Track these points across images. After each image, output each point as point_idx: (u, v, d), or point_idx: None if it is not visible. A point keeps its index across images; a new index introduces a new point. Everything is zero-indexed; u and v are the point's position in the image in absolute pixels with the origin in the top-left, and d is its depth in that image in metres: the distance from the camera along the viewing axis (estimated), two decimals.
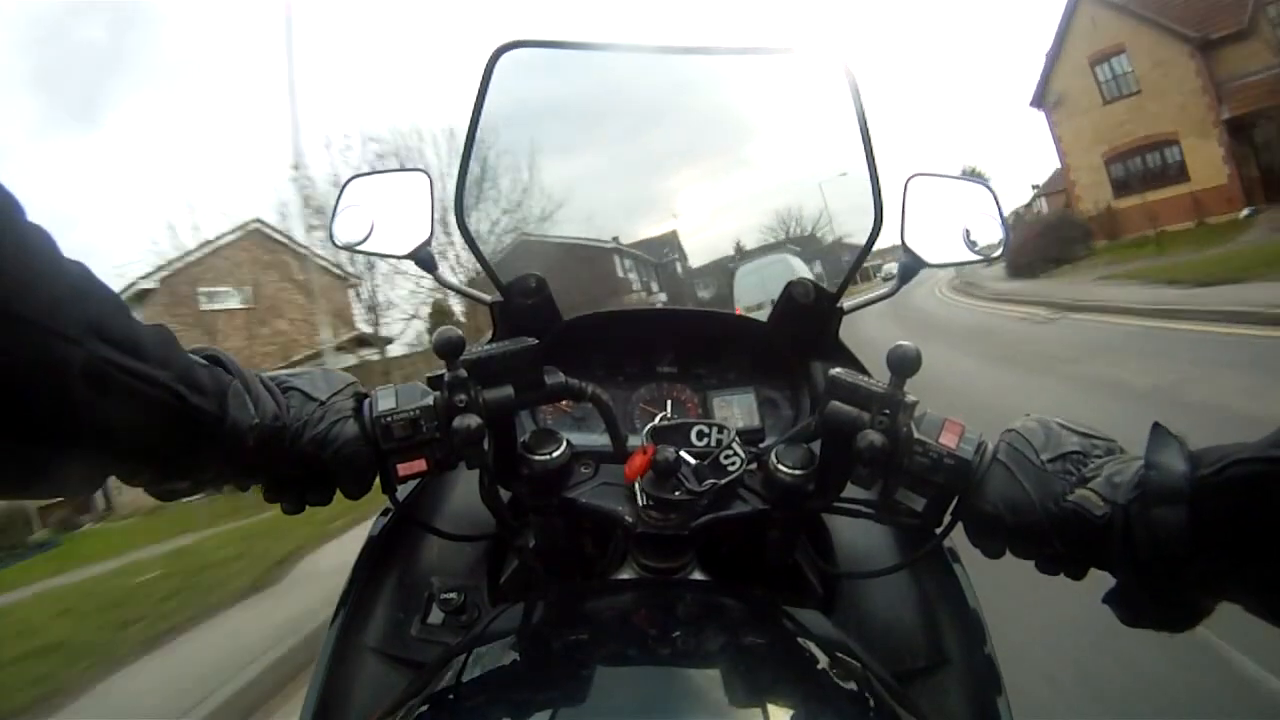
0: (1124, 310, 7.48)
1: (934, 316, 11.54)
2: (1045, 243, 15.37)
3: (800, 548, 0.66)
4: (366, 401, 0.52)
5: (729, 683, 0.41)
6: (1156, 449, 0.40)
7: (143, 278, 12.72)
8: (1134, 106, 15.67)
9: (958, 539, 0.56)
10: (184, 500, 0.47)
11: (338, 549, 4.10)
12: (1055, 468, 0.45)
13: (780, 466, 0.55)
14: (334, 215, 0.73)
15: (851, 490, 0.54)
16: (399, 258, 0.73)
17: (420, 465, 0.51)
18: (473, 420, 0.49)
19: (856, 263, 0.70)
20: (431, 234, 0.71)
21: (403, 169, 0.74)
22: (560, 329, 0.72)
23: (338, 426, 0.49)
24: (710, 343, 0.81)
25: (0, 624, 4.17)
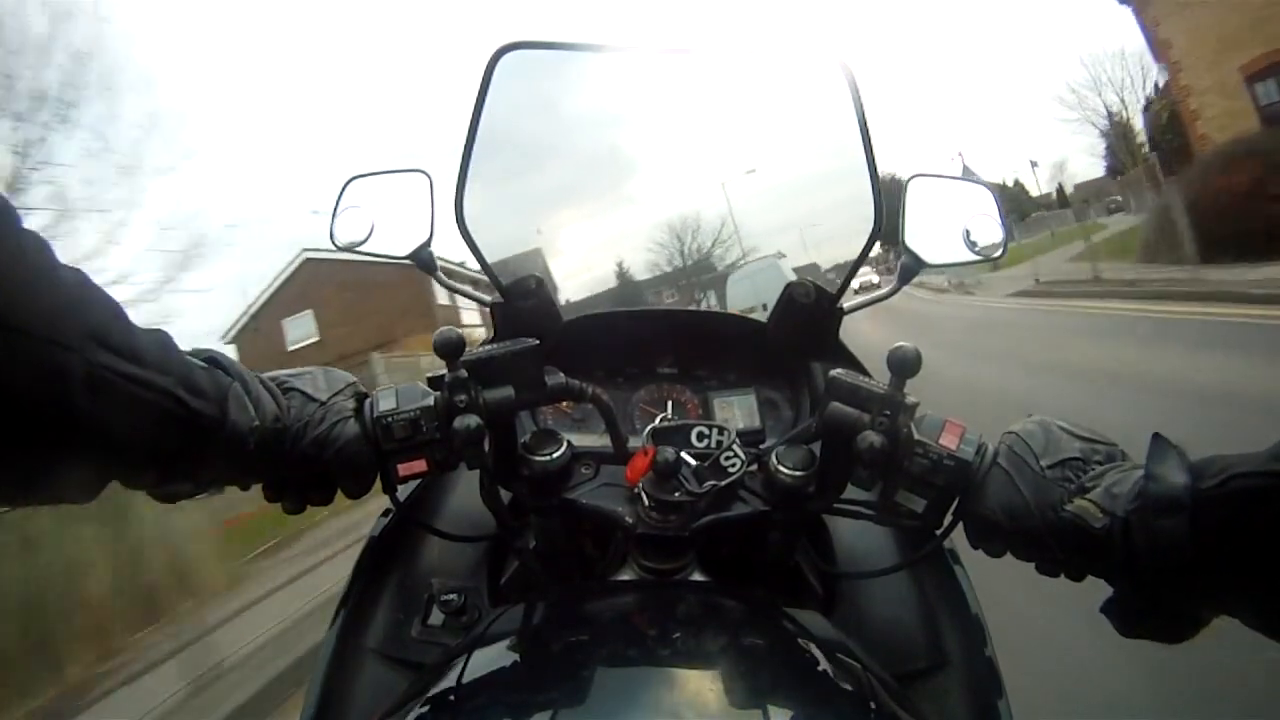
0: None
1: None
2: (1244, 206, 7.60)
3: (800, 549, 0.66)
4: (367, 402, 0.52)
5: (729, 684, 0.41)
6: (1157, 460, 0.40)
7: (237, 327, 14.53)
8: None
9: (958, 540, 0.56)
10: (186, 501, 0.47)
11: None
12: (1054, 474, 0.44)
13: (780, 468, 0.55)
14: (334, 215, 0.73)
15: (852, 491, 0.54)
16: (399, 259, 0.72)
17: (421, 466, 0.51)
18: (473, 421, 0.49)
19: (857, 263, 0.70)
20: (432, 235, 0.71)
21: (403, 169, 0.73)
22: (560, 330, 0.72)
23: (339, 427, 0.49)
24: (710, 343, 0.81)
25: None
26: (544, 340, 0.56)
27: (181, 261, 5.67)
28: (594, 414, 0.65)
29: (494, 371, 0.53)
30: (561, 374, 0.56)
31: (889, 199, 0.66)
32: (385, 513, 0.68)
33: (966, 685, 0.59)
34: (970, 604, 0.62)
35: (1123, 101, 21.59)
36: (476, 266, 0.70)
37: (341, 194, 0.73)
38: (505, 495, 0.59)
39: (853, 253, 0.70)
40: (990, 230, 0.71)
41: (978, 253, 0.71)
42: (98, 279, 0.37)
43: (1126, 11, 12.09)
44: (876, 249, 0.69)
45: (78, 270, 0.36)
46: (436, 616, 0.63)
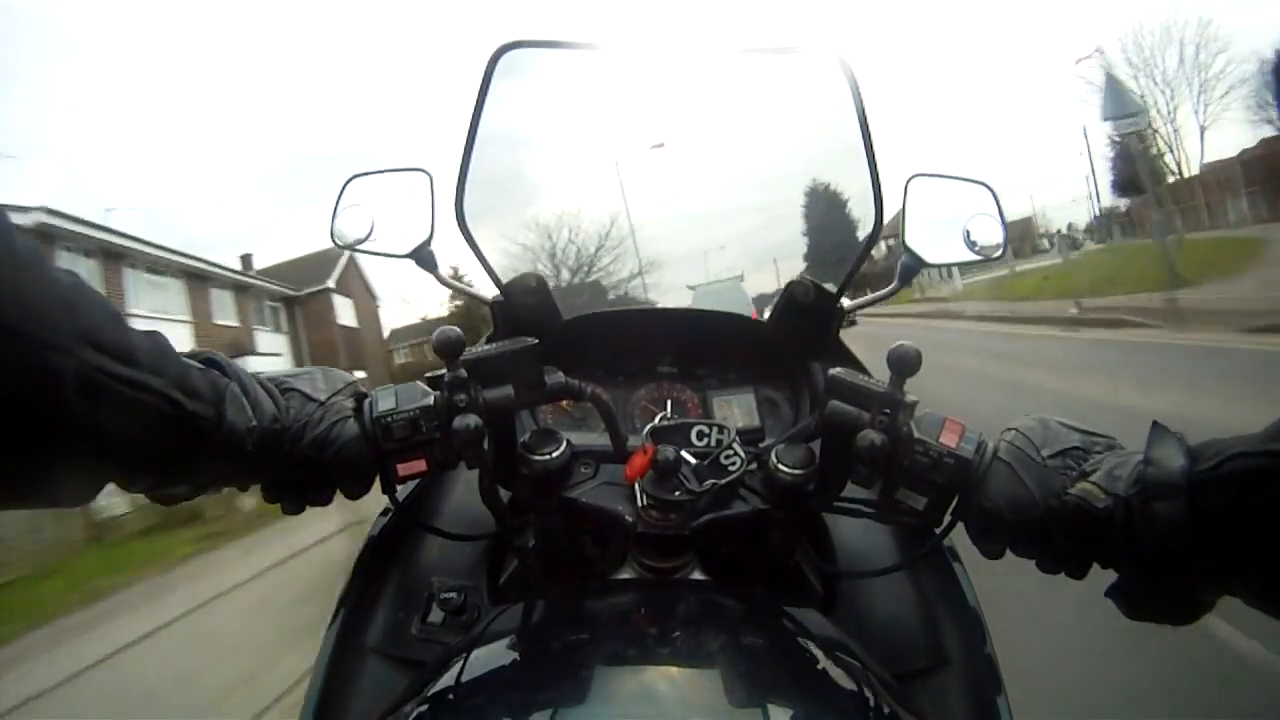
0: None
1: None
2: None
3: (800, 548, 0.66)
4: (367, 401, 0.51)
5: (729, 683, 0.41)
6: (1155, 444, 0.40)
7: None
8: None
9: (957, 539, 0.56)
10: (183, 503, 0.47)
11: None
12: (1056, 464, 0.45)
13: (780, 466, 0.55)
14: (335, 214, 0.73)
15: (851, 490, 0.54)
16: (400, 257, 0.73)
17: (420, 465, 0.51)
18: (473, 420, 0.49)
19: (857, 263, 0.70)
20: (432, 233, 0.71)
21: (403, 168, 0.74)
22: (560, 328, 0.72)
23: (337, 427, 0.48)
24: (710, 343, 0.81)
25: None
26: (543, 339, 0.56)
27: None
28: (594, 413, 0.65)
29: (493, 371, 0.53)
30: (560, 373, 0.56)
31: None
32: (384, 512, 0.68)
33: (966, 684, 0.59)
34: (969, 602, 0.62)
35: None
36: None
37: (342, 193, 0.73)
38: (504, 494, 0.59)
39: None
40: (990, 229, 0.71)
41: (977, 252, 0.71)
42: None
43: None
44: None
45: (71, 273, 0.36)
46: (436, 615, 0.63)
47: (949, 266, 0.74)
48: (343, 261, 18.23)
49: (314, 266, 18.00)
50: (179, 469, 0.42)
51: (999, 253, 0.71)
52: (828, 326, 0.73)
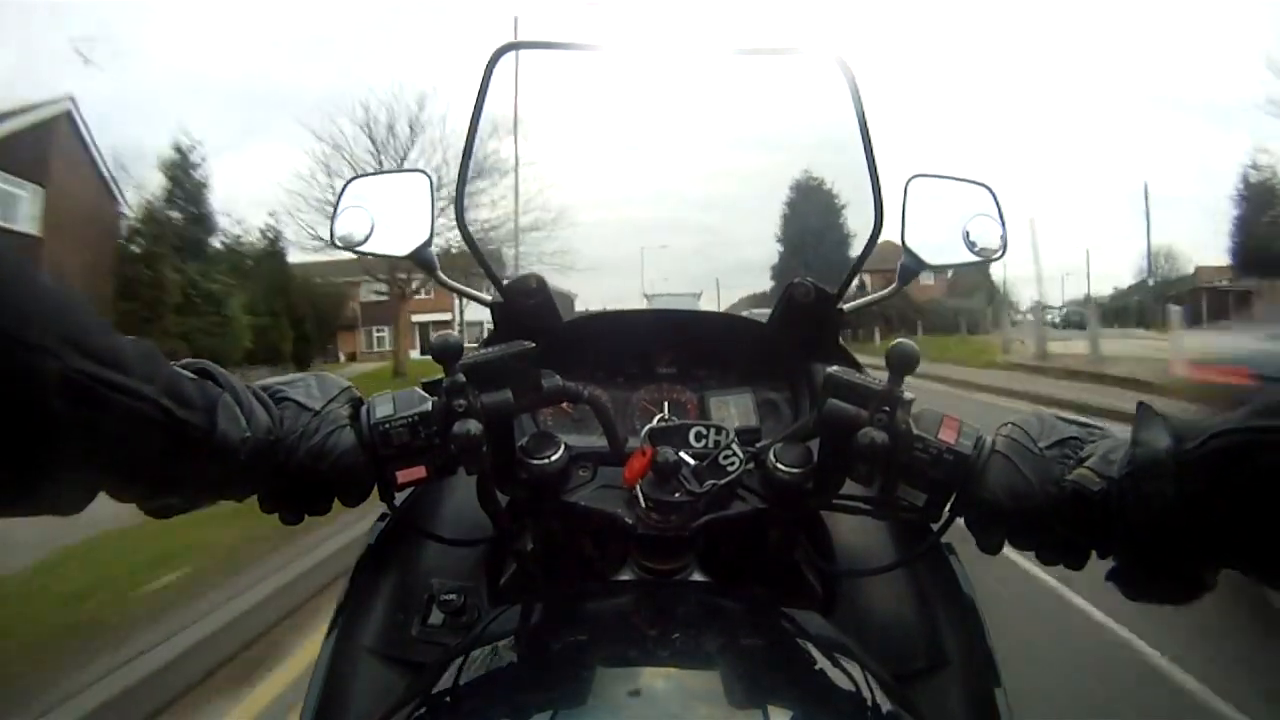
0: None
1: None
2: None
3: (800, 548, 0.66)
4: (364, 408, 0.51)
5: (729, 684, 0.41)
6: (1142, 426, 0.41)
7: None
8: None
9: (954, 537, 0.56)
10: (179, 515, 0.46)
11: None
12: (1054, 453, 0.45)
13: (779, 465, 0.55)
14: (334, 215, 0.73)
15: (850, 488, 0.54)
16: (400, 258, 0.73)
17: (420, 472, 0.50)
18: (472, 425, 0.49)
19: (857, 264, 0.70)
20: (432, 234, 0.71)
21: (403, 169, 0.74)
22: (558, 331, 0.72)
23: (334, 436, 0.48)
24: (709, 344, 0.81)
25: None
26: (541, 341, 0.56)
27: None
28: (593, 414, 0.65)
29: (491, 375, 0.52)
30: (558, 376, 0.56)
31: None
32: (381, 517, 0.68)
33: (966, 684, 0.59)
34: (968, 598, 0.63)
35: None
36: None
37: (342, 194, 0.73)
38: (502, 497, 0.59)
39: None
40: (990, 231, 0.71)
41: (977, 253, 0.71)
42: None
43: None
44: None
45: (56, 278, 0.35)
46: (436, 616, 0.63)
47: (946, 268, 0.73)
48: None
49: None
50: (170, 479, 0.42)
51: (999, 254, 0.71)
52: (827, 328, 0.73)
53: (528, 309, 0.70)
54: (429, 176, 0.72)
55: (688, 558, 0.59)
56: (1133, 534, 0.41)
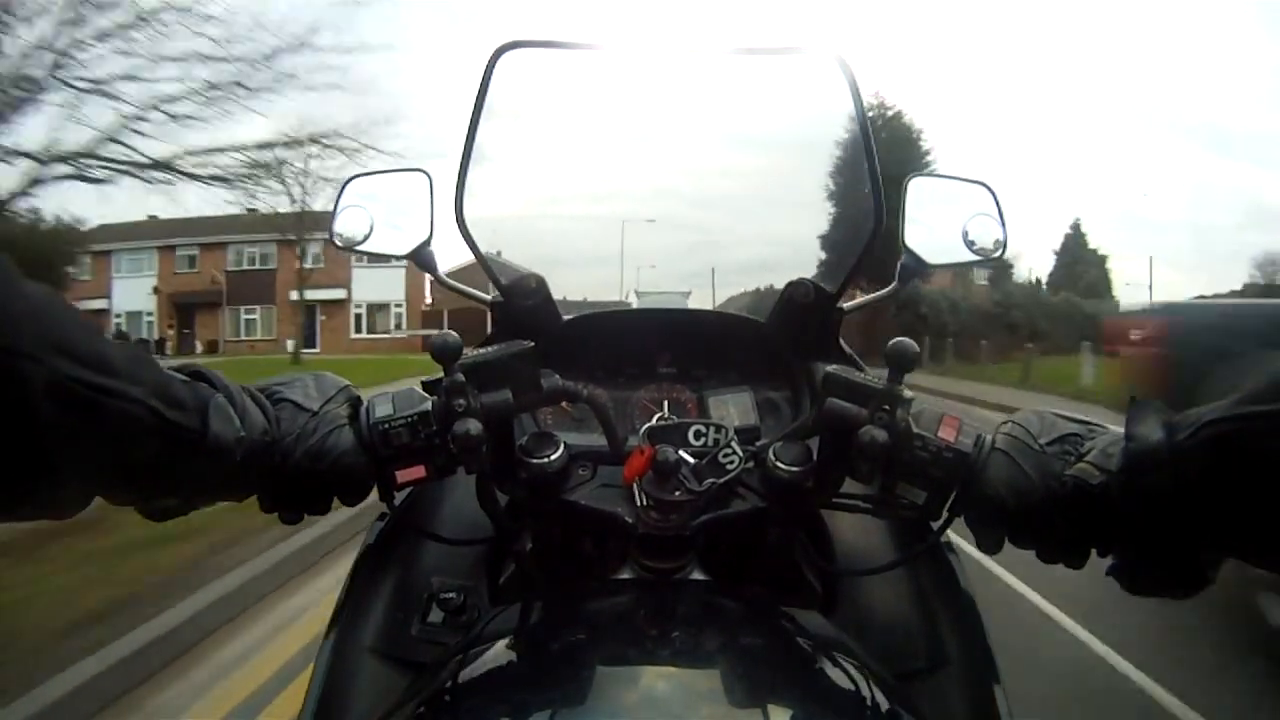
0: None
1: None
2: None
3: (800, 548, 0.66)
4: (363, 408, 0.51)
5: (728, 683, 0.41)
6: (1136, 420, 0.41)
7: None
8: None
9: (952, 533, 0.56)
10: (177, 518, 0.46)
11: None
12: (1054, 450, 0.45)
13: (779, 464, 0.55)
14: (334, 215, 0.73)
15: (850, 486, 0.54)
16: (399, 258, 0.73)
17: (419, 472, 0.50)
18: (472, 425, 0.49)
19: (857, 264, 0.70)
20: (432, 233, 0.71)
21: (403, 168, 0.74)
22: (557, 330, 0.72)
23: (333, 437, 0.48)
24: (709, 343, 0.81)
25: None
26: (541, 340, 0.56)
27: None
28: (593, 413, 0.65)
29: (490, 374, 0.52)
30: (557, 376, 0.56)
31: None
32: (381, 516, 0.68)
33: (966, 683, 0.59)
34: (967, 596, 0.63)
35: None
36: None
37: (341, 193, 0.73)
38: (502, 497, 0.59)
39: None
40: (990, 230, 0.71)
41: (976, 253, 0.71)
42: None
43: None
44: None
45: (43, 285, 0.35)
46: (436, 615, 0.63)
47: (948, 268, 0.73)
48: None
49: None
50: (165, 481, 0.41)
51: (998, 253, 0.71)
52: (827, 327, 0.73)
53: (527, 309, 0.70)
54: (429, 175, 0.72)
55: (687, 557, 0.59)
56: (1131, 527, 0.41)
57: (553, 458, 0.56)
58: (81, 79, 5.83)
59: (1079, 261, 30.22)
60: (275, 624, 2.48)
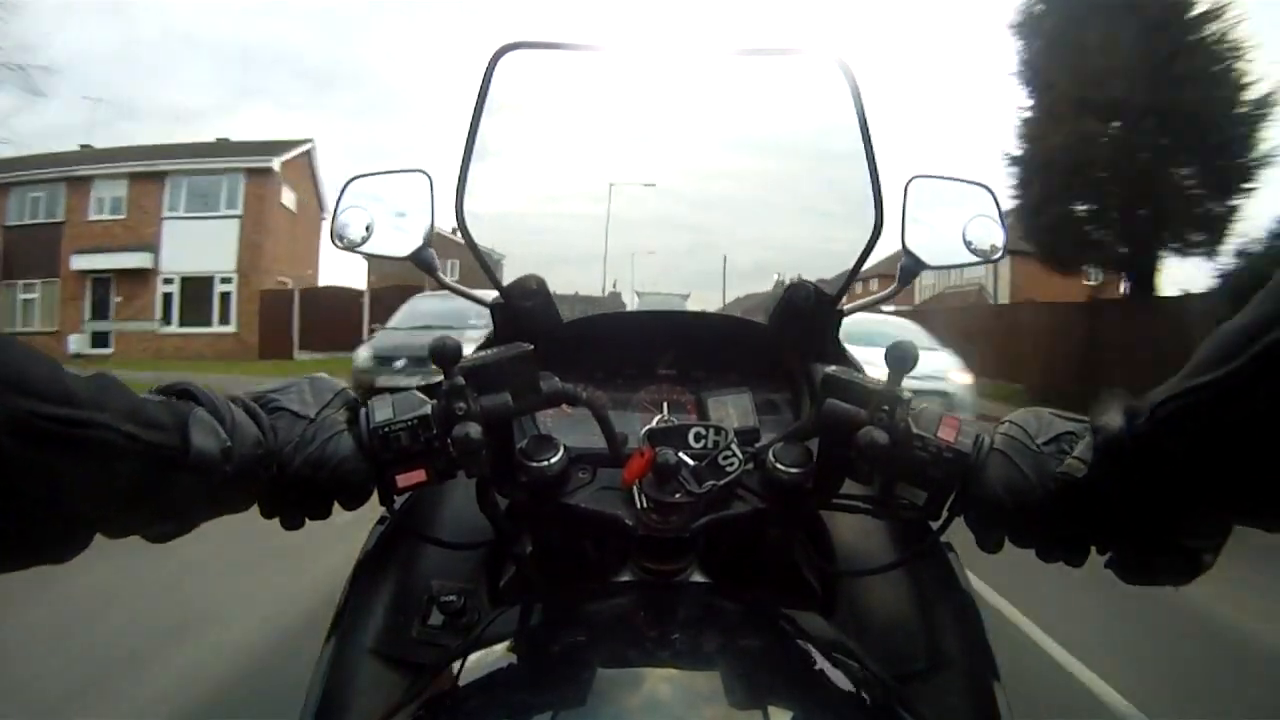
0: None
1: None
2: None
3: (800, 549, 0.66)
4: (363, 412, 0.51)
5: (729, 685, 0.41)
6: (1098, 412, 0.42)
7: None
8: None
9: (952, 534, 0.56)
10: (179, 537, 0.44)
11: None
12: (1051, 449, 0.46)
13: (778, 465, 0.55)
14: (334, 215, 0.73)
15: (850, 487, 0.54)
16: (399, 259, 0.72)
17: (420, 476, 0.50)
18: (473, 428, 0.49)
19: (857, 265, 0.70)
20: (432, 234, 0.71)
21: (403, 169, 0.73)
22: (557, 332, 0.72)
23: (332, 443, 0.48)
24: (709, 345, 0.81)
25: None
26: (540, 343, 0.56)
27: None
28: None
29: (490, 378, 0.52)
30: (556, 378, 0.56)
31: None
32: (381, 520, 0.68)
33: (966, 684, 0.59)
34: (967, 596, 0.63)
35: None
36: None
37: (342, 194, 0.73)
38: (501, 500, 0.59)
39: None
40: (990, 231, 0.71)
41: (976, 253, 0.71)
42: None
43: None
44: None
45: None
46: (436, 617, 0.63)
47: (948, 269, 0.73)
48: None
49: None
50: (157, 504, 0.40)
51: (999, 254, 0.71)
52: (827, 329, 0.73)
53: (527, 310, 0.70)
54: (429, 176, 0.72)
55: (688, 558, 0.59)
56: (1115, 518, 0.42)
57: (552, 461, 0.56)
58: None
59: None
60: None
